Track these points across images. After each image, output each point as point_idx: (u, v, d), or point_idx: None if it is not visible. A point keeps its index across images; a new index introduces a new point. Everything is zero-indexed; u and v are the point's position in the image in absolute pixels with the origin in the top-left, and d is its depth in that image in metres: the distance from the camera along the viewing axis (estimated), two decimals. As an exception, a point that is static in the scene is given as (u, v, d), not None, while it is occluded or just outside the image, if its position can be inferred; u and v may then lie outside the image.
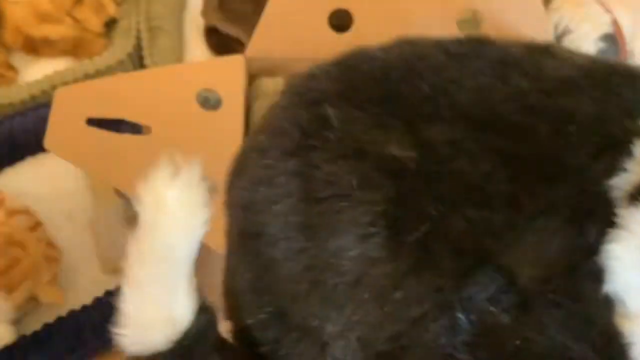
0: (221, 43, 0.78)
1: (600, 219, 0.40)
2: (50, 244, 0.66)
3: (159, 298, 0.40)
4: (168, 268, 0.40)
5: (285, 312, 0.41)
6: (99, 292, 0.67)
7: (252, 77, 0.67)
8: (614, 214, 0.40)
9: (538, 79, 0.43)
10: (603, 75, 0.44)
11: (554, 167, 0.41)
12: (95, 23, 0.78)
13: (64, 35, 0.76)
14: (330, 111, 0.42)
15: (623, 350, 0.39)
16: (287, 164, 0.42)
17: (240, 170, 0.46)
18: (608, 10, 0.73)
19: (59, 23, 0.76)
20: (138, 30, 0.77)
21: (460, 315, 0.38)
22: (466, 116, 0.42)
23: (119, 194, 0.67)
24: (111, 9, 0.79)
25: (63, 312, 0.66)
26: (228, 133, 0.62)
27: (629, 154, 0.41)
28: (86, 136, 0.61)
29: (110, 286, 0.65)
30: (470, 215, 0.39)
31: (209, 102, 0.64)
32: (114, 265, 0.66)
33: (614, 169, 0.40)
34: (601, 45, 0.74)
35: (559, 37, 0.73)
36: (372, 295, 0.39)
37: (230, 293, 0.45)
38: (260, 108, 0.65)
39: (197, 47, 0.80)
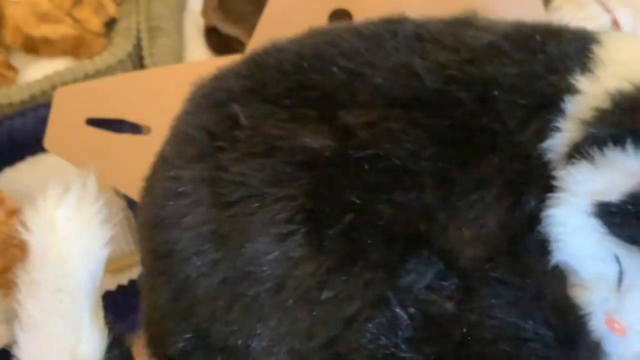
0: (221, 43, 0.78)
1: (537, 185, 0.37)
2: (50, 244, 0.66)
3: (59, 336, 0.36)
4: (66, 300, 0.35)
5: (207, 335, 0.37)
6: (99, 292, 0.67)
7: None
8: (552, 178, 0.37)
9: (457, 50, 0.41)
10: (525, 36, 0.42)
11: (482, 137, 0.38)
12: (95, 23, 0.77)
13: (64, 35, 0.76)
14: (239, 110, 0.39)
15: (580, 322, 0.36)
16: (194, 171, 0.38)
17: (149, 186, 0.42)
18: (608, 10, 0.73)
19: (59, 23, 0.76)
20: (138, 30, 0.77)
21: (398, 310, 0.35)
22: (384, 97, 0.39)
23: (119, 194, 0.67)
24: (111, 9, 0.78)
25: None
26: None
27: (560, 112, 0.38)
28: (86, 136, 0.60)
29: (111, 286, 0.64)
30: (397, 199, 0.36)
31: (209, 102, 0.64)
32: (113, 266, 0.66)
33: (546, 129, 0.38)
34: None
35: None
36: (298, 299, 0.35)
37: (150, 322, 0.41)
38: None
39: (197, 47, 0.80)
